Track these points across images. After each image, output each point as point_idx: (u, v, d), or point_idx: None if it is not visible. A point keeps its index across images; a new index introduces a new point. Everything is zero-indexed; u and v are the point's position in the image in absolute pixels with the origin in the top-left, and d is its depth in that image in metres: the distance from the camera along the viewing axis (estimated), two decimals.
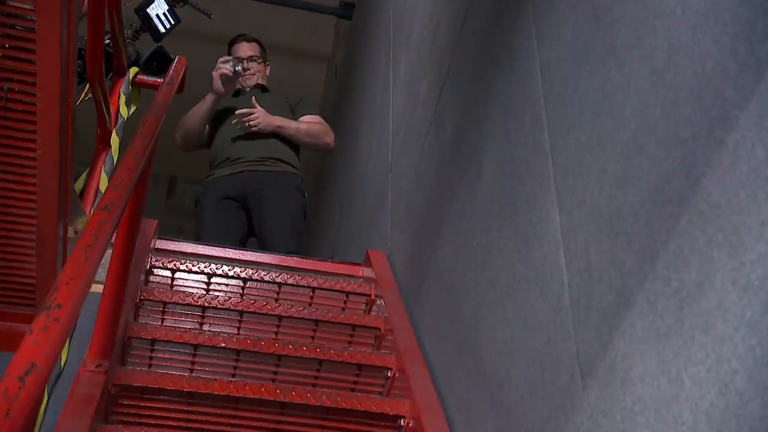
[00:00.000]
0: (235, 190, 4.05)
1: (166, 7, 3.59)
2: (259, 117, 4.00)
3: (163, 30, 3.60)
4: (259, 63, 4.44)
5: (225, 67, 4.10)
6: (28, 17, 1.71)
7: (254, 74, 4.39)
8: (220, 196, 4.05)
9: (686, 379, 1.08)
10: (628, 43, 1.42)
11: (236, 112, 4.03)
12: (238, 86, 4.38)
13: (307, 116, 4.29)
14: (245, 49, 4.43)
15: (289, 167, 4.12)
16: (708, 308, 1.06)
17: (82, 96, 2.92)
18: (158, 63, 3.56)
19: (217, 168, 4.14)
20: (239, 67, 4.12)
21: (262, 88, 4.41)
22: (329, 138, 4.24)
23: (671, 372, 1.12)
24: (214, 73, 4.09)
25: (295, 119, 4.21)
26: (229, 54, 4.36)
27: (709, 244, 1.08)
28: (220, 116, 4.26)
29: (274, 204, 3.99)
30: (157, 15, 3.56)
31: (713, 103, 1.13)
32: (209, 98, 4.14)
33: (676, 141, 1.21)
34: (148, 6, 3.55)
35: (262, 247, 3.89)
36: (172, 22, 3.62)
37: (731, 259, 1.03)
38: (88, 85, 2.81)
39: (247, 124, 3.99)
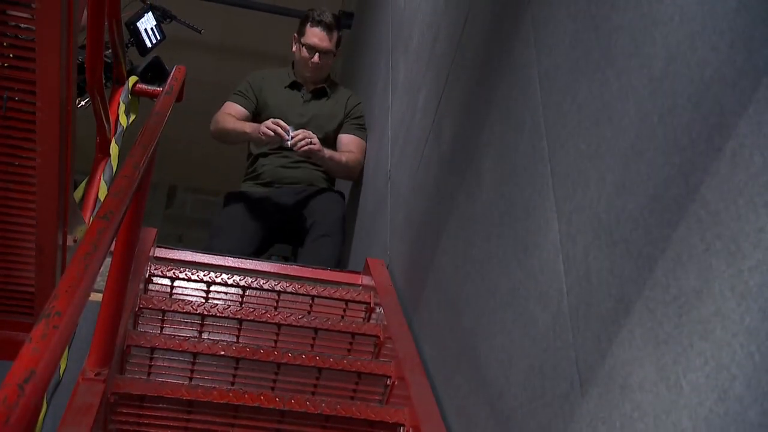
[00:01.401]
0: (273, 206, 3.89)
1: (155, 23, 3.63)
2: (316, 146, 3.69)
3: (149, 44, 3.64)
4: (332, 59, 4.03)
5: (276, 134, 3.67)
6: (28, 26, 1.72)
7: (321, 70, 3.98)
8: (255, 204, 3.88)
9: (685, 386, 1.08)
10: (626, 51, 1.43)
11: (294, 134, 3.64)
12: (298, 79, 4.01)
13: (350, 139, 3.99)
14: (321, 38, 3.92)
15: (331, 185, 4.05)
16: (707, 315, 1.06)
17: (80, 103, 2.92)
18: (153, 73, 3.58)
19: (257, 183, 3.96)
20: (289, 143, 3.65)
21: (323, 92, 4.05)
22: (357, 171, 4.00)
23: (670, 379, 1.12)
24: (264, 129, 3.67)
25: (339, 132, 3.99)
26: (302, 29, 3.94)
27: (708, 251, 1.08)
28: (269, 113, 3.93)
29: (324, 211, 3.87)
30: (146, 29, 3.60)
31: (711, 110, 1.13)
32: (250, 134, 3.80)
33: (674, 148, 1.22)
34: (138, 20, 3.60)
35: (305, 253, 3.81)
36: (159, 38, 3.67)
37: (730, 266, 1.03)
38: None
39: (298, 147, 3.67)
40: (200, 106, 7.35)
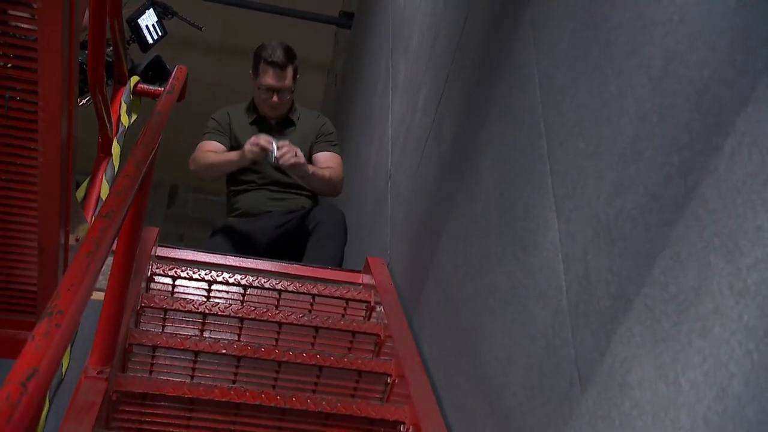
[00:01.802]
0: (266, 226, 3.81)
1: (156, 19, 3.62)
2: (300, 158, 3.55)
3: (150, 41, 3.63)
4: (291, 94, 3.87)
5: (262, 150, 3.52)
6: (30, 26, 1.72)
7: (281, 108, 3.86)
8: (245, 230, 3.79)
9: (684, 384, 1.08)
10: (625, 50, 1.43)
11: (279, 145, 3.51)
12: (263, 114, 3.89)
13: (327, 156, 3.87)
14: (276, 78, 3.79)
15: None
16: (705, 313, 1.06)
17: (81, 102, 2.92)
18: (154, 72, 3.58)
19: (244, 216, 3.86)
20: (275, 156, 3.48)
21: (288, 120, 3.93)
22: (340, 186, 3.88)
23: (669, 376, 1.12)
24: (249, 147, 3.55)
25: (313, 151, 3.89)
26: (256, 69, 3.84)
27: (706, 249, 1.08)
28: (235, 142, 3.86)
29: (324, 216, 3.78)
30: (147, 26, 3.59)
31: (710, 109, 1.13)
32: (236, 161, 3.68)
33: (673, 147, 1.22)
34: (139, 17, 3.59)
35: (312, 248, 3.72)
36: (160, 34, 3.66)
37: (728, 264, 1.03)
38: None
39: (285, 160, 3.53)
40: (201, 106, 7.35)
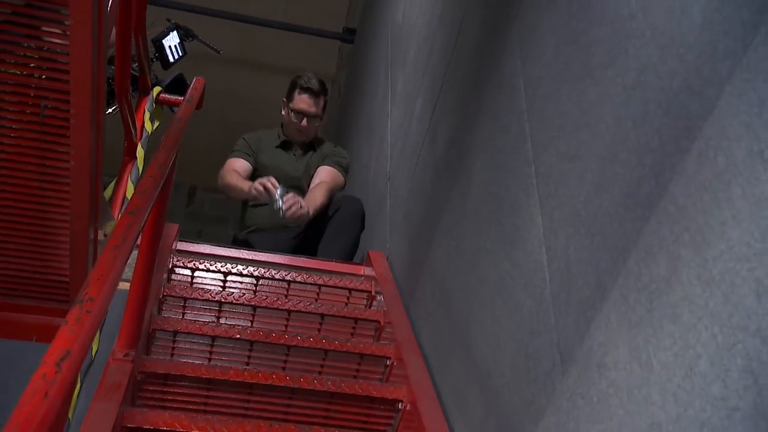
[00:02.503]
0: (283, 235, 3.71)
1: (178, 41, 3.63)
2: (304, 210, 3.36)
3: (171, 60, 3.64)
4: (318, 123, 3.83)
5: (266, 191, 3.36)
6: (63, 42, 1.72)
7: (308, 133, 3.80)
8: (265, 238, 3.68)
9: (655, 364, 1.08)
10: (603, 62, 1.43)
11: (285, 198, 3.32)
12: (287, 139, 3.82)
13: (322, 169, 3.76)
14: (309, 104, 3.75)
15: None
16: (675, 300, 1.06)
17: (109, 111, 2.93)
18: (177, 88, 3.58)
19: (255, 232, 3.76)
20: (280, 206, 3.29)
21: (310, 146, 3.87)
22: (335, 193, 3.73)
23: (642, 358, 1.12)
24: (256, 186, 3.38)
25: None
26: (290, 94, 3.77)
27: (676, 242, 1.08)
28: (265, 171, 3.75)
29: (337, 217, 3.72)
30: (170, 46, 3.60)
31: (679, 115, 1.14)
32: (245, 192, 3.52)
33: (646, 150, 1.22)
34: (163, 38, 3.60)
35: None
36: (180, 54, 3.67)
37: (696, 256, 1.03)
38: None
39: (291, 213, 3.34)
40: (218, 113, 7.35)
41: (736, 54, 1.02)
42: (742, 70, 1.00)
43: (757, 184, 0.93)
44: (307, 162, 3.84)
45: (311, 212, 3.44)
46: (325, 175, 3.75)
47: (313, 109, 3.75)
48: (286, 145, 3.86)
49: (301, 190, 3.72)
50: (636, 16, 1.32)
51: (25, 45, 1.76)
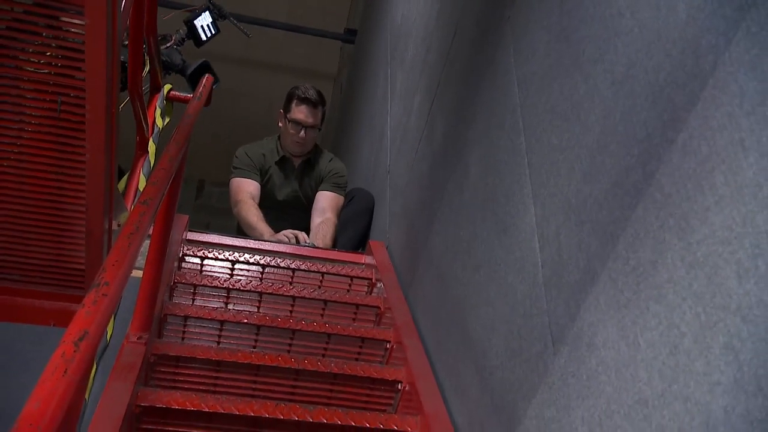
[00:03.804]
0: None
1: (210, 20, 3.57)
2: (307, 240, 3.41)
3: (204, 38, 3.57)
4: (316, 132, 3.73)
5: (287, 239, 3.38)
6: (78, 30, 1.72)
7: (307, 144, 3.72)
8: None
9: (642, 343, 1.09)
10: (592, 58, 1.43)
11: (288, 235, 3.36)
12: (285, 154, 3.74)
13: (325, 196, 3.69)
14: (307, 115, 3.65)
15: None
16: (660, 282, 1.07)
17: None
18: (202, 73, 3.48)
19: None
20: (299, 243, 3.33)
21: (308, 162, 3.79)
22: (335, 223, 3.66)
23: (629, 337, 1.12)
24: (280, 237, 3.37)
25: (319, 189, 3.76)
26: (288, 105, 3.70)
27: (662, 228, 1.09)
28: (265, 187, 3.76)
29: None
30: (202, 26, 3.55)
31: (665, 108, 1.14)
32: (261, 233, 3.45)
33: (633, 141, 1.22)
34: (195, 18, 3.55)
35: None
36: (213, 32, 3.59)
37: (680, 240, 1.04)
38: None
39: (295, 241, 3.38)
40: (225, 111, 7.34)
41: (719, 49, 1.03)
42: (725, 64, 1.00)
43: (738, 171, 0.94)
44: (306, 178, 3.78)
45: (329, 244, 3.49)
46: (326, 204, 3.67)
47: (311, 120, 3.64)
48: (284, 160, 3.76)
49: (298, 208, 3.69)
50: (624, 14, 1.33)
51: (41, 43, 1.75)
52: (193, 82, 3.48)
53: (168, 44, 3.39)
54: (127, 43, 2.67)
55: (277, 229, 3.48)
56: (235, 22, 3.86)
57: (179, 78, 3.59)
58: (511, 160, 1.80)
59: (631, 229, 1.18)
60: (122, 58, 2.67)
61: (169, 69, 3.46)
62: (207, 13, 3.57)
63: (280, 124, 3.77)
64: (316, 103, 3.65)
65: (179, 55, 3.50)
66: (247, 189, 3.66)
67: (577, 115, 1.46)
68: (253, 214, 3.53)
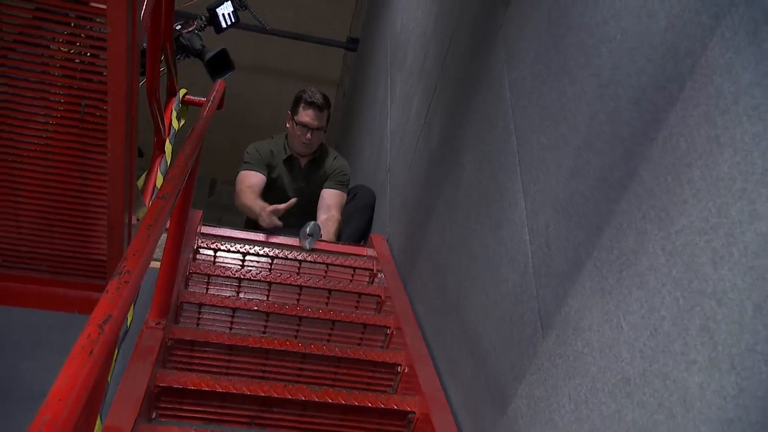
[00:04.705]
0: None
1: (232, 9, 3.54)
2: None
3: (224, 26, 3.52)
4: (322, 134, 3.68)
5: (274, 224, 3.31)
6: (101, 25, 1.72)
7: (312, 145, 3.66)
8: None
9: (625, 326, 1.09)
10: (579, 63, 1.43)
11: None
12: (293, 154, 3.70)
13: (329, 193, 3.68)
14: (313, 118, 3.60)
15: None
16: (642, 269, 1.07)
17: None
18: (219, 61, 3.46)
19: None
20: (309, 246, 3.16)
21: (314, 161, 3.77)
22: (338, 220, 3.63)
23: (613, 321, 1.13)
24: (266, 219, 3.29)
25: (324, 186, 3.74)
26: (295, 108, 3.64)
27: (644, 219, 1.09)
28: (273, 183, 3.73)
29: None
30: (223, 14, 3.51)
31: (647, 108, 1.14)
32: (256, 209, 3.40)
33: (617, 140, 1.23)
34: (218, 6, 3.50)
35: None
36: (233, 20, 3.54)
37: (660, 230, 1.04)
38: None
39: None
40: (236, 114, 7.34)
41: (696, 53, 1.03)
42: (701, 67, 1.01)
43: (714, 166, 0.94)
44: (312, 176, 3.77)
45: (332, 238, 3.47)
46: (330, 201, 3.67)
47: (316, 123, 3.61)
48: (291, 159, 3.76)
49: (305, 204, 3.68)
50: (609, 22, 1.33)
51: (68, 50, 1.76)
52: (210, 67, 3.42)
53: (190, 29, 3.36)
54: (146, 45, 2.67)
55: (284, 222, 3.49)
56: (255, 13, 3.80)
57: (192, 82, 3.57)
58: (503, 158, 1.80)
59: (615, 221, 1.18)
60: (144, 45, 2.65)
61: (188, 53, 3.41)
62: (229, 2, 3.52)
63: (287, 125, 3.76)
64: (322, 106, 3.62)
65: (200, 40, 3.44)
66: (248, 180, 3.65)
67: (564, 116, 1.47)
68: (247, 198, 3.52)
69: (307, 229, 3.12)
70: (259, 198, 3.53)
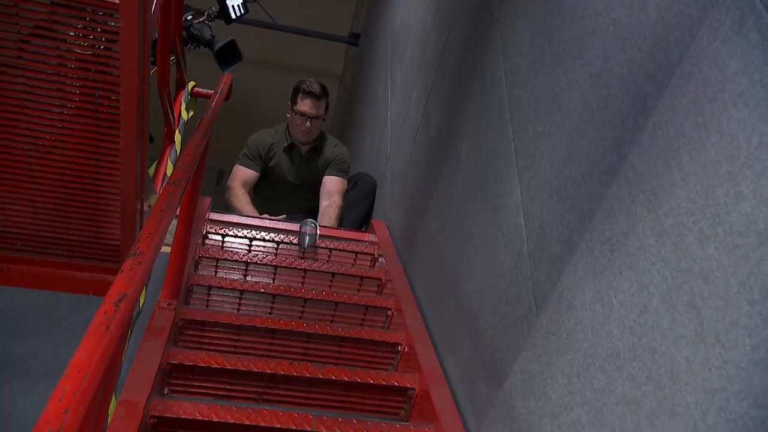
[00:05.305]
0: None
1: (241, 1, 3.51)
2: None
3: (234, 16, 3.48)
4: (321, 123, 3.67)
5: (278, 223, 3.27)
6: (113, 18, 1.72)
7: (312, 134, 3.66)
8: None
9: (615, 304, 1.10)
10: (572, 54, 1.43)
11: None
12: (294, 141, 3.68)
13: (330, 180, 3.67)
14: (311, 107, 3.60)
15: None
16: (632, 250, 1.08)
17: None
18: (228, 51, 3.44)
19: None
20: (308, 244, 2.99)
21: (315, 149, 3.76)
22: (340, 206, 3.63)
23: (604, 299, 1.14)
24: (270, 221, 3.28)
25: (325, 173, 3.73)
26: (294, 98, 3.64)
27: (634, 202, 1.10)
28: (273, 172, 3.73)
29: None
30: (233, 6, 3.48)
31: (637, 96, 1.14)
32: (252, 213, 3.48)
33: (609, 127, 1.23)
34: None
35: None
36: (242, 12, 3.51)
37: (650, 212, 1.05)
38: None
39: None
40: (242, 108, 7.32)
41: (685, 44, 1.03)
42: (690, 57, 1.01)
43: (701, 150, 0.95)
44: (313, 164, 3.76)
45: (334, 224, 3.47)
46: (332, 188, 3.67)
47: (315, 112, 3.61)
48: (292, 147, 3.74)
49: (306, 190, 3.69)
50: (601, 14, 1.33)
51: (84, 44, 1.76)
52: (219, 57, 3.40)
53: (201, 19, 3.33)
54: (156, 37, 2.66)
55: (285, 208, 3.51)
56: (263, 5, 3.78)
57: (201, 74, 3.56)
58: (499, 146, 1.80)
59: (607, 204, 1.19)
60: (156, 36, 2.63)
61: (198, 43, 3.39)
62: None
63: (288, 115, 3.76)
64: (320, 96, 3.62)
65: (209, 30, 3.42)
66: (240, 176, 3.68)
67: (558, 105, 1.47)
68: (239, 200, 3.58)
69: (307, 229, 3.11)
70: (250, 192, 3.59)
